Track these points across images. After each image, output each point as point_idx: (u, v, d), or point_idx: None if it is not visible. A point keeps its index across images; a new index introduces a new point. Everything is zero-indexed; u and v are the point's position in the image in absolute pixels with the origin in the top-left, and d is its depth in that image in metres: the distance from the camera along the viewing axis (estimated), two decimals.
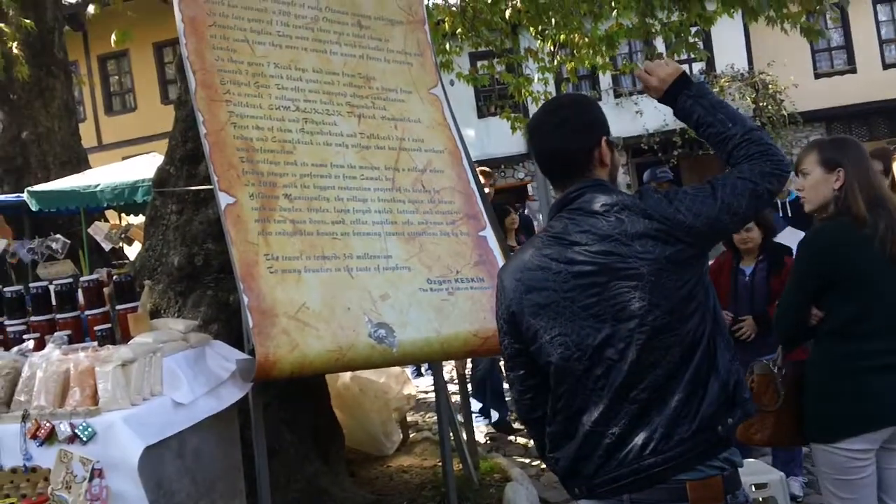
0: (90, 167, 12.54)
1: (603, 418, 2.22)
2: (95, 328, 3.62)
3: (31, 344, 3.55)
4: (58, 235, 10.94)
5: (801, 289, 3.27)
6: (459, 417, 5.97)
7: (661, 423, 2.16)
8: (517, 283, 2.40)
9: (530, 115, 11.18)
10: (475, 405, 7.13)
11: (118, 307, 3.75)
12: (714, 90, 19.87)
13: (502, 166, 21.67)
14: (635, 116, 20.69)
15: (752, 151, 2.33)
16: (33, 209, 10.82)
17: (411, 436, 6.93)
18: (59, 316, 3.75)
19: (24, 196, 10.74)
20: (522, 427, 6.70)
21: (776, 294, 4.53)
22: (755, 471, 4.43)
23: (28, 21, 10.71)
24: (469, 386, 6.86)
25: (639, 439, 2.17)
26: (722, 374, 2.19)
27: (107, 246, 11.02)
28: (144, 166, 11.55)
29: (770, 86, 20.05)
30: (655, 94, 2.56)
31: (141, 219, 12.63)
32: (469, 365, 6.80)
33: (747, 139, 2.35)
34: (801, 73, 19.99)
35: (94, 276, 3.81)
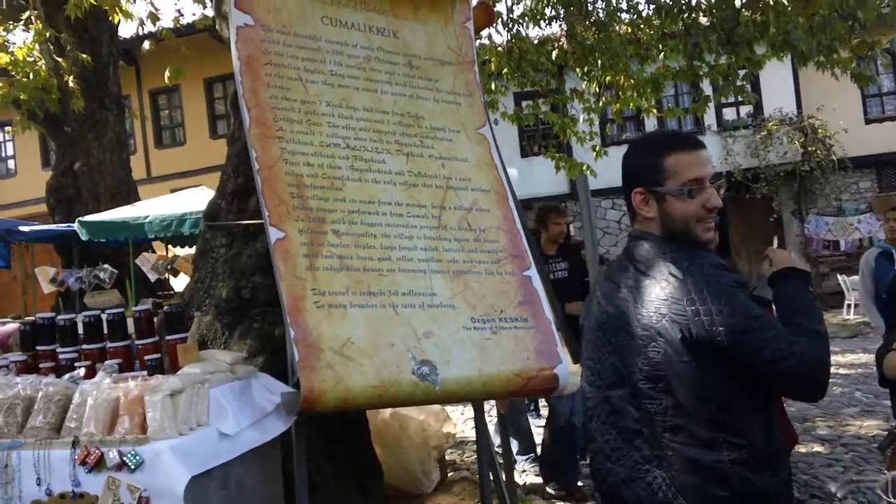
0: (139, 199, 12.75)
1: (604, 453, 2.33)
2: (145, 357, 3.68)
3: (82, 371, 3.62)
4: (105, 265, 11.16)
5: None
6: (499, 458, 5.94)
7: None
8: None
9: (574, 156, 11.10)
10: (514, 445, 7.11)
11: (167, 337, 3.80)
12: (762, 133, 19.79)
13: None
14: None
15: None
16: (83, 239, 11.02)
17: (449, 475, 6.90)
18: (110, 344, 3.83)
19: (75, 226, 10.95)
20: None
21: None
22: None
23: (85, 56, 10.99)
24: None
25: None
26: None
27: (153, 277, 11.21)
28: (192, 199, 11.75)
29: (819, 130, 19.84)
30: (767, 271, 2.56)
31: (187, 251, 12.87)
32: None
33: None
34: (851, 118, 19.77)
35: (144, 307, 3.87)
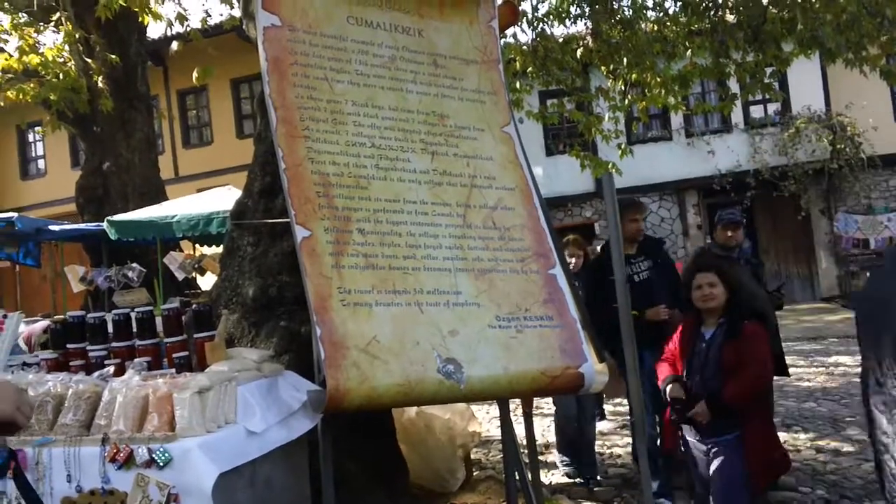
0: (167, 198, 12.86)
1: None
2: (174, 355, 3.72)
3: (111, 369, 3.67)
4: (134, 264, 11.26)
5: None
6: (525, 457, 5.93)
7: None
8: None
9: (599, 154, 11.01)
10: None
11: (195, 335, 3.84)
12: (790, 131, 19.62)
13: (569, 205, 21.61)
14: (707, 157, 20.48)
15: None
16: (112, 238, 11.13)
17: (475, 474, 6.90)
18: (139, 343, 3.87)
19: (104, 225, 11.06)
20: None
21: (728, 367, 4.17)
22: None
23: (113, 56, 11.09)
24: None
25: None
26: None
27: (180, 275, 11.30)
28: (219, 198, 11.83)
29: (848, 128, 19.63)
30: None
31: (214, 250, 12.97)
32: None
33: None
34: (880, 116, 19.54)
35: (173, 305, 3.91)
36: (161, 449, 3.04)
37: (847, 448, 7.19)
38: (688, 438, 4.37)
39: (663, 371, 4.58)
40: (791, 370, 7.19)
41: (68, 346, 4.05)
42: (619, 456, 7.54)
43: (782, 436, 7.74)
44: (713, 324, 4.38)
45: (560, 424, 6.90)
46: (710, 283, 4.34)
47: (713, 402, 4.18)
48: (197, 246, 13.86)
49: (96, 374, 3.63)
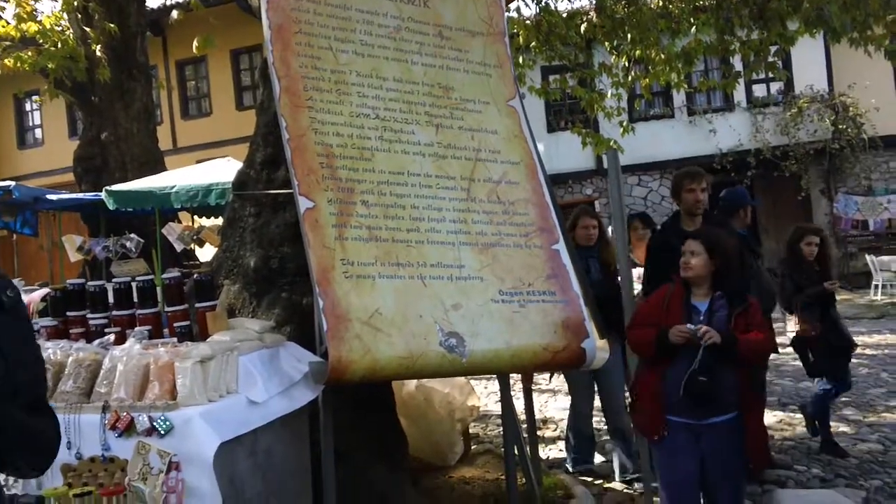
0: (166, 169, 12.79)
1: None
2: (175, 324, 3.70)
3: (112, 337, 3.65)
4: (132, 235, 11.18)
5: None
6: (524, 432, 5.95)
7: None
8: None
9: (601, 131, 10.85)
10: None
11: (197, 305, 3.82)
12: (792, 111, 19.55)
13: (570, 181, 21.57)
14: (709, 135, 20.43)
15: None
16: (110, 208, 11.08)
17: (473, 448, 6.92)
18: (139, 311, 3.85)
19: (102, 195, 11.00)
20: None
21: (739, 339, 3.94)
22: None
23: (112, 25, 10.99)
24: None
25: None
26: None
27: (179, 246, 11.25)
28: (218, 170, 11.77)
29: (850, 108, 19.56)
30: None
31: (213, 221, 12.92)
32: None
33: None
34: (883, 96, 19.44)
35: (175, 274, 3.89)
36: (162, 417, 3.02)
37: (843, 428, 7.23)
38: (675, 420, 4.10)
39: (649, 332, 4.16)
40: (787, 350, 7.20)
41: (68, 313, 4.02)
42: None
43: (778, 415, 7.78)
44: (703, 295, 4.16)
45: (573, 423, 6.58)
46: (693, 251, 4.13)
47: (727, 343, 3.91)
48: (195, 217, 13.80)
49: (97, 342, 3.61)
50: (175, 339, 3.63)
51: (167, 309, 3.83)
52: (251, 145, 5.19)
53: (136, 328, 3.69)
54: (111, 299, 3.98)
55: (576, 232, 6.22)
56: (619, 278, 5.44)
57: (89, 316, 3.96)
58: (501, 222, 4.40)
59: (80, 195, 12.22)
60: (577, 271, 4.52)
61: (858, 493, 5.30)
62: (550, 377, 6.60)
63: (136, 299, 3.91)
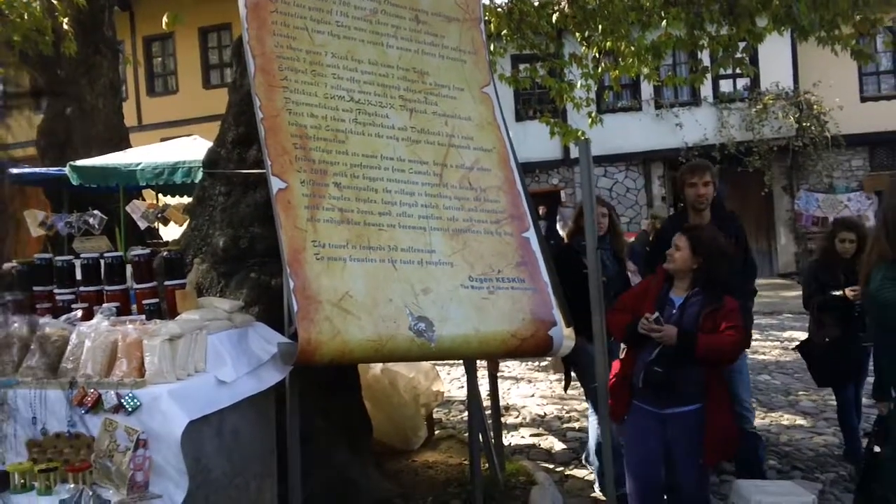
0: (131, 146, 12.65)
1: None
2: (144, 302, 3.67)
3: (79, 313, 3.61)
4: (95, 211, 11.05)
5: None
6: (488, 418, 5.99)
7: None
8: None
9: (569, 121, 10.75)
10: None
11: (166, 283, 3.79)
12: (757, 107, 19.77)
13: (537, 171, 21.63)
14: (675, 129, 20.60)
15: None
16: (74, 183, 10.93)
17: (436, 433, 6.96)
18: (107, 288, 3.81)
19: (66, 170, 10.85)
20: None
21: (698, 341, 4.00)
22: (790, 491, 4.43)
23: None
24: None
25: None
26: None
27: (142, 224, 11.14)
28: (185, 148, 11.64)
29: (815, 106, 19.83)
30: None
31: (177, 200, 12.79)
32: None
33: None
34: (846, 96, 19.73)
35: (144, 251, 3.85)
36: (130, 394, 3.00)
37: (799, 421, 7.36)
38: (639, 405, 4.23)
39: (624, 318, 4.27)
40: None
41: (34, 288, 3.97)
42: (578, 420, 7.64)
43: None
44: (683, 290, 4.25)
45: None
46: (678, 245, 4.22)
47: (684, 342, 3.99)
48: (160, 195, 13.66)
49: (63, 317, 3.57)
50: (143, 317, 3.60)
51: (136, 286, 3.79)
52: (223, 124, 5.15)
53: (104, 304, 3.66)
54: (79, 275, 3.93)
55: (584, 221, 5.45)
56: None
57: (56, 291, 3.91)
58: (473, 208, 4.42)
59: (43, 170, 12.03)
60: (547, 259, 4.55)
61: (815, 486, 5.39)
62: (567, 383, 5.84)
63: (104, 275, 3.86)
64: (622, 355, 4.42)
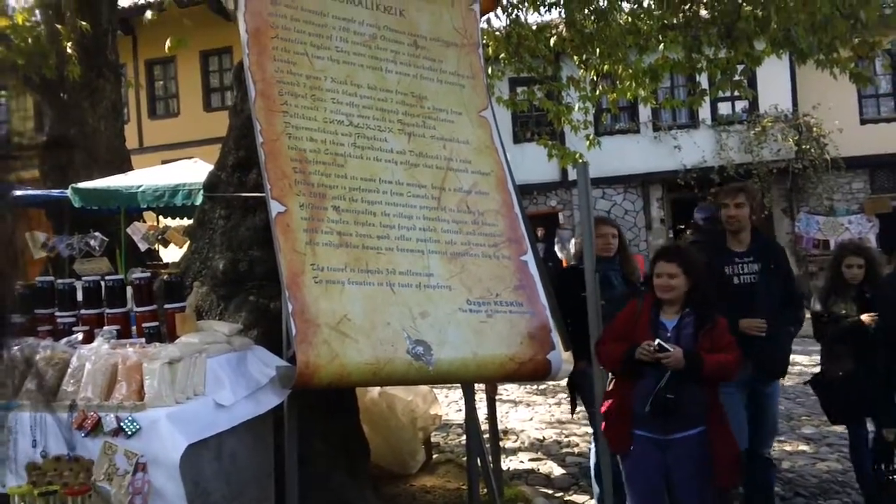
0: (133, 168, 12.70)
1: None
2: (143, 325, 3.69)
3: (80, 336, 3.63)
4: (96, 233, 11.10)
5: None
6: (486, 443, 5.97)
7: None
8: None
9: (567, 144, 10.72)
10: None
11: (166, 306, 3.82)
12: (756, 130, 19.83)
13: (535, 193, 21.66)
14: (673, 151, 20.64)
15: None
16: (75, 205, 10.97)
17: (434, 457, 6.94)
18: (108, 311, 3.84)
19: (68, 192, 10.89)
20: None
21: (705, 361, 3.97)
22: None
23: (84, 23, 10.90)
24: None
25: None
26: None
27: (143, 246, 11.18)
28: (185, 171, 11.69)
29: (814, 129, 19.85)
30: None
31: (178, 222, 12.83)
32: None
33: None
34: (846, 118, 19.74)
35: (145, 274, 3.88)
36: (129, 418, 3.02)
37: (802, 447, 7.32)
38: (641, 434, 4.12)
39: (618, 348, 4.15)
40: None
41: (36, 311, 4.00)
42: (577, 445, 7.63)
43: None
44: (673, 313, 4.18)
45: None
46: (671, 273, 4.12)
47: (690, 363, 3.94)
48: (160, 217, 13.70)
49: (64, 340, 3.59)
50: (143, 340, 3.63)
51: (136, 309, 3.82)
52: (223, 147, 5.19)
53: (105, 327, 3.68)
54: (80, 297, 3.96)
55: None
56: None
57: (57, 314, 3.93)
58: (471, 232, 4.45)
59: (46, 192, 12.08)
60: (545, 283, 4.57)
61: None
62: (573, 407, 5.71)
63: (104, 298, 3.89)
64: (610, 386, 4.36)
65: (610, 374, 4.46)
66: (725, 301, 4.56)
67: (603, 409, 4.34)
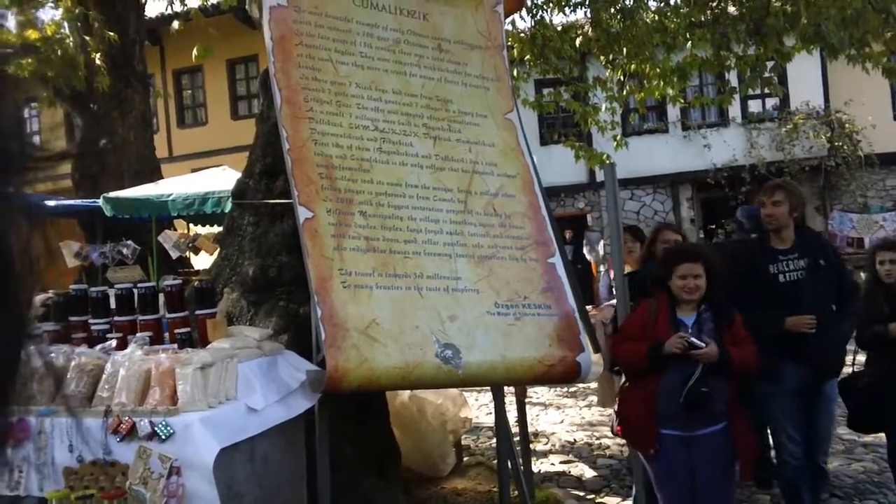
0: (162, 177, 12.84)
1: None
2: (175, 331, 3.74)
3: (113, 343, 3.69)
4: (129, 241, 11.24)
5: None
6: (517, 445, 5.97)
7: None
8: None
9: (594, 145, 10.68)
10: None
11: (197, 312, 3.87)
12: (787, 127, 19.62)
13: (562, 195, 21.60)
14: (703, 150, 20.47)
15: None
16: (107, 214, 11.12)
17: (465, 459, 6.95)
18: (140, 317, 3.89)
19: (100, 202, 11.05)
20: None
21: (732, 354, 4.03)
22: None
23: (112, 34, 11.05)
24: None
25: None
26: None
27: (174, 254, 11.31)
28: (214, 179, 11.81)
29: (846, 125, 19.59)
30: None
31: (208, 229, 12.96)
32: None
33: None
34: (879, 114, 19.44)
35: (176, 281, 3.93)
36: (163, 422, 3.07)
37: (838, 447, 7.24)
38: (667, 433, 4.14)
39: (639, 346, 4.17)
40: None
41: (70, 318, 4.07)
42: (608, 447, 7.60)
43: None
44: (690, 310, 4.20)
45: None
46: (696, 274, 4.13)
47: (722, 356, 3.97)
48: (191, 225, 13.85)
49: (98, 347, 3.65)
50: (175, 346, 3.67)
51: (168, 315, 3.87)
52: (250, 155, 5.24)
53: (138, 334, 3.73)
54: (112, 305, 4.02)
55: (656, 247, 5.52)
56: None
57: (91, 321, 4.00)
58: (498, 235, 4.45)
59: (78, 202, 12.25)
60: (573, 284, 4.57)
61: None
62: None
63: (137, 305, 3.95)
64: (619, 388, 4.36)
65: (622, 376, 4.48)
66: (772, 300, 4.61)
67: (621, 411, 4.35)
